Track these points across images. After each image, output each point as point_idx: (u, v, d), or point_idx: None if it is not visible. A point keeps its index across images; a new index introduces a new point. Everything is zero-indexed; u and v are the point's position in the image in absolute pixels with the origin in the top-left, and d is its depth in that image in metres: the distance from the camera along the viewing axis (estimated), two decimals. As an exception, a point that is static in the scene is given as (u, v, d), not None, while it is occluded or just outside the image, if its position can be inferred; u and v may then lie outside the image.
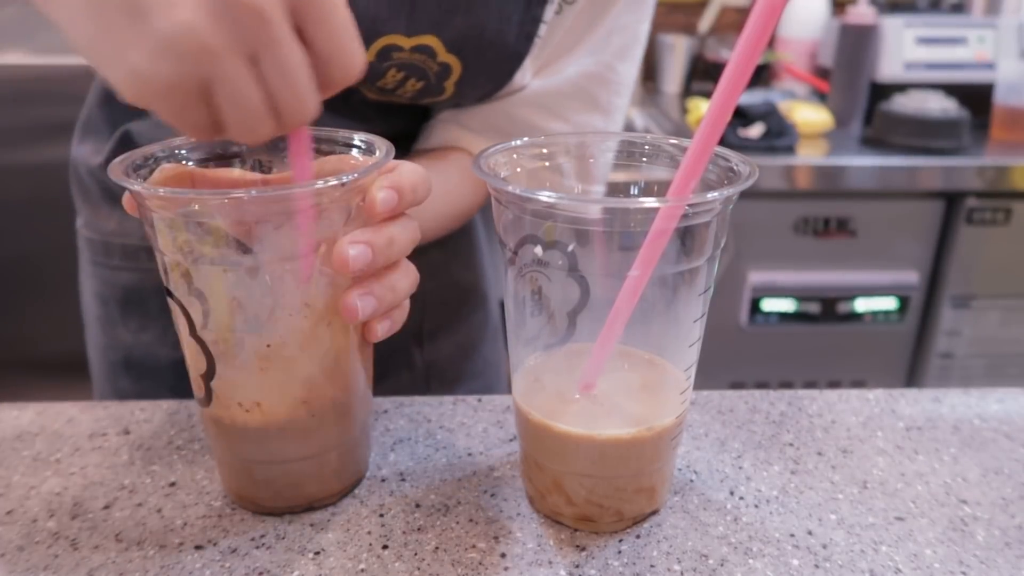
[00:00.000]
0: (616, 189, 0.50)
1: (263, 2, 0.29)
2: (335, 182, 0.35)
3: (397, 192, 0.38)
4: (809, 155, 1.39)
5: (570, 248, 0.37)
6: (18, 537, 0.41)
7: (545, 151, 0.43)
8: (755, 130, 1.39)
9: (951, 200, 1.40)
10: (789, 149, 1.38)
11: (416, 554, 0.40)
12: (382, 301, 0.38)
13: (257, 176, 0.42)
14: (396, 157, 0.39)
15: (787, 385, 1.52)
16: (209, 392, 0.39)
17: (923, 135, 1.40)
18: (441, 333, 0.72)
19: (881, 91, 1.52)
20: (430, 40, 0.52)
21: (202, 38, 0.29)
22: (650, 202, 0.34)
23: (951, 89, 1.48)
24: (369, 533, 0.41)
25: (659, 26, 1.83)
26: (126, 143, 0.61)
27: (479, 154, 0.39)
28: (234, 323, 0.37)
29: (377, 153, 0.40)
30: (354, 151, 0.41)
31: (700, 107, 1.55)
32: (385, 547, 0.40)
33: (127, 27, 0.30)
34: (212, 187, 0.40)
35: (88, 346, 0.71)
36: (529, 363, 0.42)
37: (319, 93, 0.33)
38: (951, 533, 0.42)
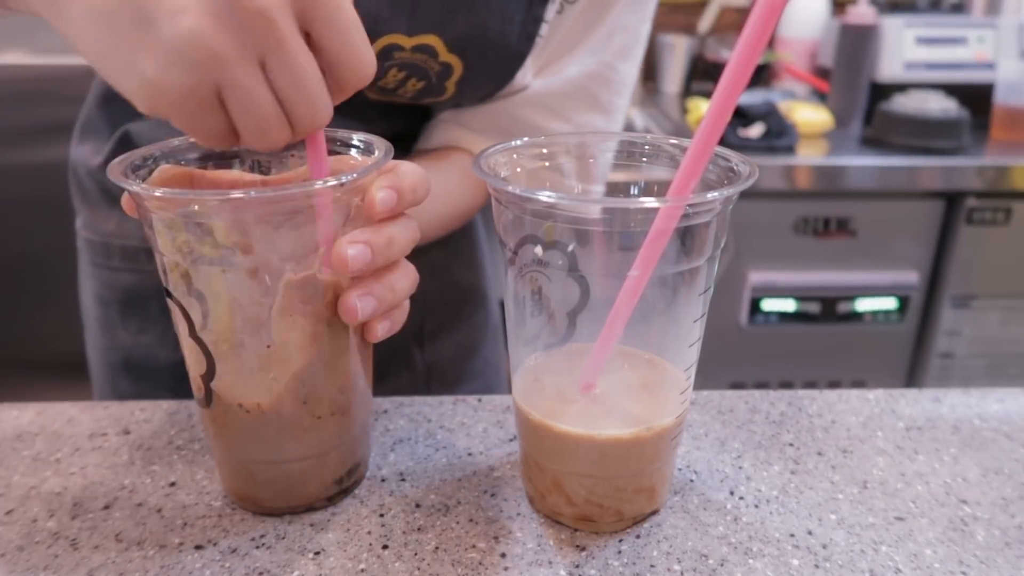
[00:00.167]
0: (616, 189, 0.50)
1: (267, 5, 0.29)
2: (334, 182, 0.35)
3: (396, 192, 0.37)
4: (809, 155, 1.39)
5: (570, 248, 0.37)
6: (18, 537, 0.41)
7: (545, 151, 0.43)
8: (755, 130, 1.39)
9: (951, 200, 1.40)
10: (789, 149, 1.38)
11: (416, 554, 0.40)
12: (382, 301, 0.38)
13: (256, 177, 0.42)
14: (396, 157, 0.39)
15: (787, 385, 1.52)
16: (209, 393, 0.39)
17: (923, 135, 1.40)
18: (442, 333, 0.72)
19: (881, 91, 1.52)
20: (431, 40, 0.52)
21: (209, 44, 0.29)
22: (650, 202, 0.34)
23: (951, 89, 1.48)
24: (369, 533, 0.41)
25: (659, 26, 1.83)
26: (125, 144, 0.61)
27: (479, 154, 0.39)
28: (234, 324, 0.37)
29: (376, 153, 0.40)
30: (353, 151, 0.41)
31: (700, 107, 1.55)
32: (385, 547, 0.40)
33: (136, 38, 0.30)
34: (211, 187, 0.40)
35: (88, 347, 0.71)
36: (529, 363, 0.42)
37: (332, 97, 0.33)
38: (951, 533, 0.42)
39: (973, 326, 1.47)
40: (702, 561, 0.40)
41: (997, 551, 0.41)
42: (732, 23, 1.89)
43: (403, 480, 0.46)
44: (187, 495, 0.44)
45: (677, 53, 1.84)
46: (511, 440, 0.50)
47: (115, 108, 0.63)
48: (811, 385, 1.51)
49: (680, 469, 0.47)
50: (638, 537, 0.41)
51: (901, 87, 1.51)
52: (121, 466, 0.47)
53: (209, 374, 0.39)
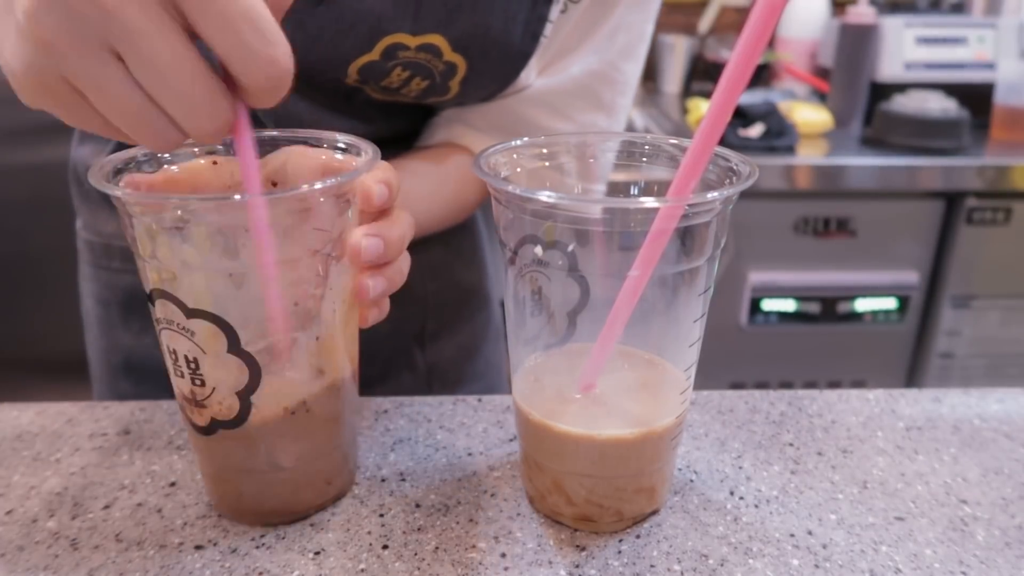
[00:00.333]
0: (616, 189, 0.50)
1: None
2: (319, 186, 0.35)
3: (387, 187, 0.39)
4: (809, 155, 1.39)
5: (570, 248, 0.37)
6: (18, 537, 0.41)
7: (545, 151, 0.43)
8: (755, 130, 1.39)
9: (951, 200, 1.40)
10: (789, 149, 1.38)
11: (416, 554, 0.40)
12: (392, 283, 0.41)
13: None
14: (396, 156, 0.40)
15: (787, 385, 1.52)
16: (246, 408, 0.38)
17: (923, 135, 1.40)
18: (443, 334, 0.72)
19: (881, 91, 1.52)
20: (436, 39, 0.52)
21: (38, 32, 0.27)
22: (650, 202, 0.34)
23: (951, 89, 1.48)
24: (369, 533, 0.41)
25: (659, 26, 1.83)
26: (126, 145, 0.61)
27: (479, 154, 0.39)
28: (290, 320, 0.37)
29: (362, 156, 0.39)
30: (337, 154, 0.41)
31: (700, 107, 1.55)
32: (385, 547, 0.40)
33: (2, 24, 0.29)
34: (205, 189, 0.40)
35: (88, 348, 0.71)
36: (529, 363, 0.42)
37: (246, 99, 0.30)
38: (951, 533, 0.42)
39: (973, 326, 1.47)
40: (702, 561, 0.40)
41: (997, 551, 0.41)
42: (732, 23, 1.89)
43: (403, 480, 0.46)
44: (187, 495, 0.44)
45: (677, 53, 1.84)
46: (511, 440, 0.50)
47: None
48: (811, 385, 1.51)
49: (680, 469, 0.47)
50: (638, 537, 0.41)
51: (901, 87, 1.51)
52: (121, 466, 0.47)
53: (251, 386, 0.37)
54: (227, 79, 0.30)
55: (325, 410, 0.40)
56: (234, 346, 0.36)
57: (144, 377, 0.66)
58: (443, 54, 0.53)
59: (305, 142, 0.41)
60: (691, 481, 0.46)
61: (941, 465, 0.48)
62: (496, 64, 0.56)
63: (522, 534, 0.41)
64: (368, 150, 0.39)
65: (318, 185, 0.34)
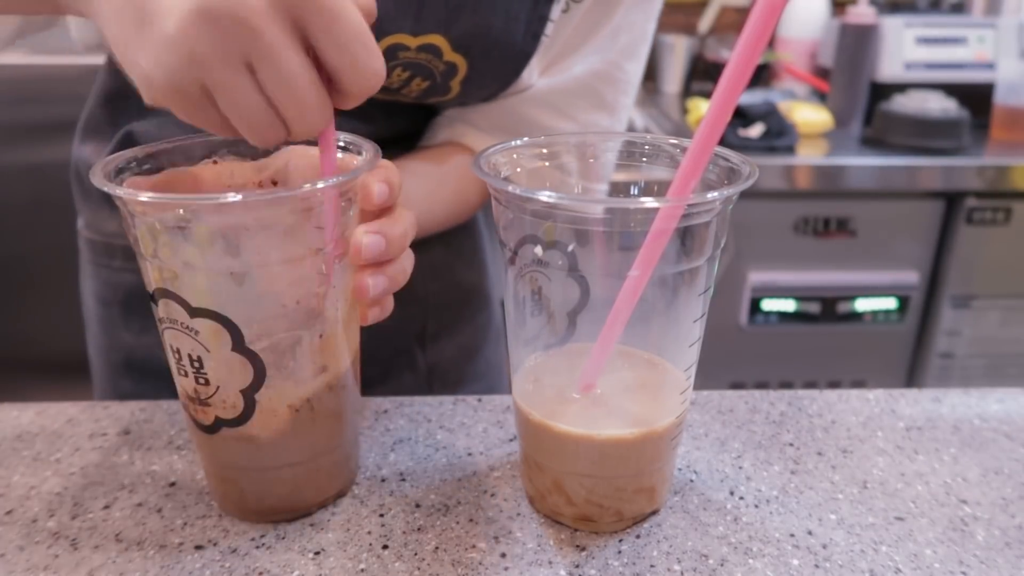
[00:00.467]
0: (616, 189, 0.50)
1: (251, 13, 0.30)
2: (322, 185, 0.35)
3: (389, 186, 0.39)
4: (809, 155, 1.39)
5: (570, 248, 0.37)
6: (18, 537, 0.41)
7: (545, 151, 0.43)
8: (755, 130, 1.39)
9: (951, 200, 1.40)
10: (789, 149, 1.38)
11: (416, 554, 0.40)
12: (394, 282, 0.41)
13: (254, 179, 0.42)
14: (398, 156, 0.40)
15: (787, 385, 1.52)
16: (251, 406, 0.38)
17: (923, 135, 1.40)
18: (444, 335, 0.72)
19: (881, 91, 1.52)
20: (436, 39, 0.52)
21: (188, 47, 0.30)
22: (650, 202, 0.34)
23: (951, 89, 1.48)
24: (369, 533, 0.41)
25: (659, 26, 1.83)
26: (128, 144, 0.61)
27: (479, 154, 0.39)
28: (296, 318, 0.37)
29: (363, 154, 0.40)
30: (339, 153, 0.41)
31: (700, 107, 1.55)
32: (385, 547, 0.40)
33: (137, 35, 0.32)
34: (206, 189, 0.40)
35: (89, 347, 0.71)
36: (529, 363, 0.42)
37: (336, 102, 0.34)
38: (951, 533, 0.42)
39: (973, 326, 1.47)
40: (702, 561, 0.40)
41: (997, 551, 0.41)
42: (732, 23, 1.89)
43: (403, 480, 0.46)
44: (187, 495, 0.44)
45: (677, 53, 1.84)
46: (511, 440, 0.50)
47: (118, 108, 0.63)
48: (811, 385, 1.51)
49: (680, 469, 0.47)
50: (638, 537, 0.41)
51: (901, 87, 1.51)
52: (121, 466, 0.47)
53: (256, 384, 0.38)
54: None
55: (328, 407, 0.41)
56: (238, 344, 0.36)
57: (145, 376, 0.66)
58: (443, 54, 0.53)
59: (307, 141, 0.41)
60: (691, 481, 0.46)
61: (941, 465, 0.48)
62: (497, 64, 0.56)
63: (522, 534, 0.41)
64: (369, 149, 0.39)
65: (320, 184, 0.35)
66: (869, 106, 1.54)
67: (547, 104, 0.61)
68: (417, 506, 0.43)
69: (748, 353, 1.48)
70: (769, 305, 1.44)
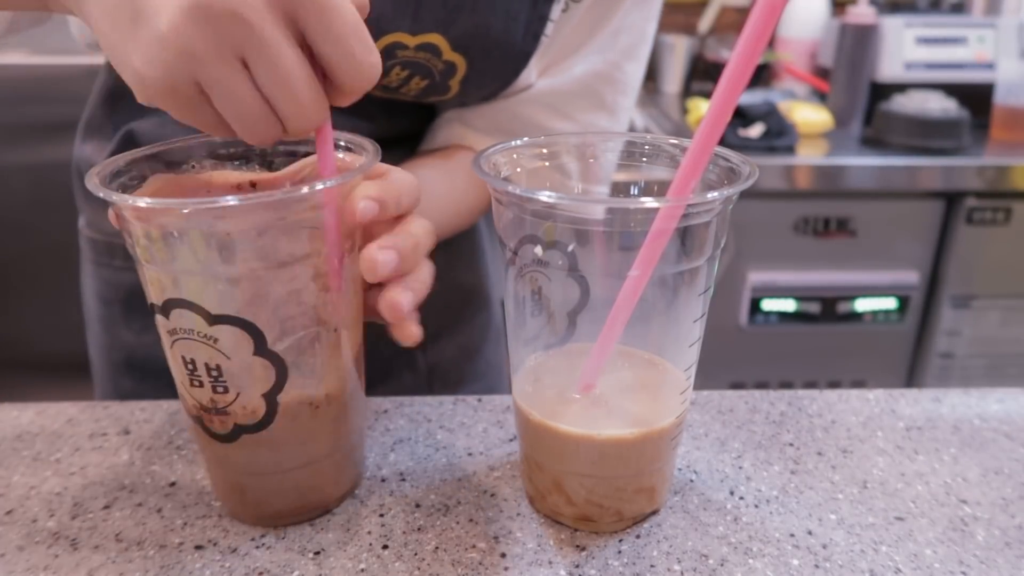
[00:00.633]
0: (616, 189, 0.50)
1: (245, 8, 0.30)
2: (320, 187, 0.34)
3: (379, 204, 0.38)
4: (809, 155, 1.39)
5: (570, 248, 0.37)
6: (18, 537, 0.41)
7: (545, 151, 0.43)
8: (755, 130, 1.39)
9: (951, 200, 1.40)
10: (789, 149, 1.38)
11: (416, 554, 0.40)
12: (417, 294, 0.41)
13: (245, 178, 0.41)
14: (400, 157, 0.39)
15: (787, 385, 1.52)
16: (273, 408, 0.38)
17: (923, 135, 1.40)
18: (444, 335, 0.72)
19: (881, 91, 1.52)
20: (435, 39, 0.52)
21: (183, 43, 0.30)
22: (650, 202, 0.34)
23: (951, 89, 1.48)
24: (369, 533, 0.41)
25: (659, 26, 1.83)
26: (128, 143, 0.61)
27: (479, 154, 0.39)
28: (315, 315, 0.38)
29: (364, 155, 0.39)
30: (340, 152, 0.41)
31: (700, 107, 1.55)
32: (385, 547, 0.40)
33: (130, 34, 0.31)
34: (201, 194, 0.40)
35: (89, 346, 0.71)
36: (529, 363, 0.42)
37: (332, 99, 0.34)
38: (951, 533, 0.42)
39: (973, 326, 1.47)
40: (702, 561, 0.40)
41: (997, 551, 0.41)
42: (732, 23, 1.89)
43: (403, 480, 0.46)
44: (187, 495, 0.44)
45: (677, 53, 1.84)
46: (511, 440, 0.50)
47: (119, 107, 0.63)
48: (811, 385, 1.51)
49: (680, 469, 0.47)
50: (638, 537, 0.41)
51: (901, 87, 1.51)
52: (121, 466, 0.47)
53: (278, 386, 0.37)
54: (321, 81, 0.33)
55: (343, 401, 0.41)
56: (260, 347, 0.36)
57: (146, 375, 0.66)
58: (442, 53, 0.53)
59: (304, 142, 0.41)
60: (691, 481, 0.46)
61: (941, 465, 0.48)
62: (497, 64, 0.56)
63: (522, 534, 0.41)
64: (369, 149, 0.39)
65: (319, 186, 0.34)
66: (869, 106, 1.54)
67: (547, 105, 0.61)
68: (417, 506, 0.43)
69: (748, 353, 1.48)
70: (769, 305, 1.44)
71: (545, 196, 0.35)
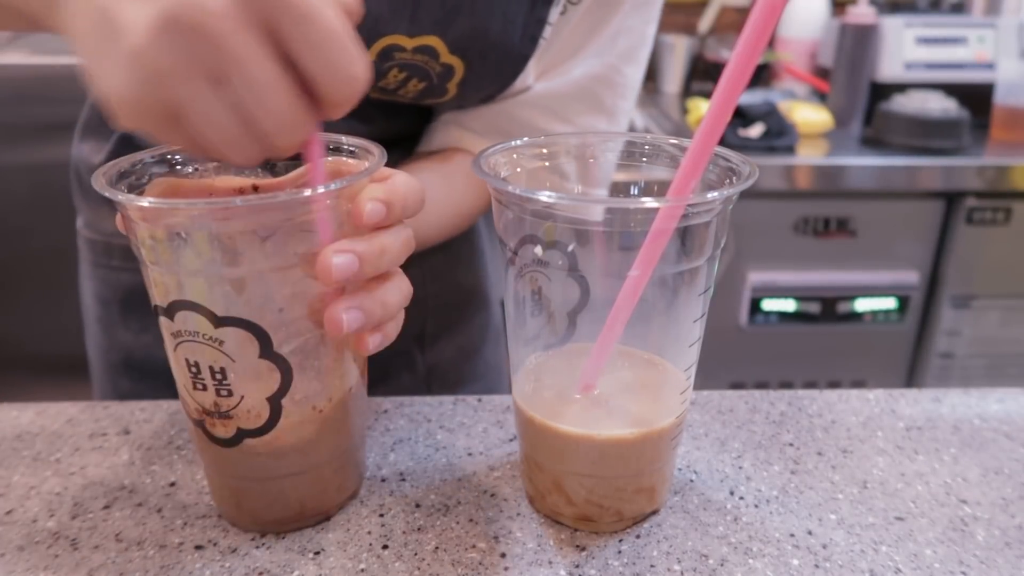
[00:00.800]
0: (616, 189, 0.50)
1: (215, 19, 0.28)
2: (323, 190, 0.34)
3: (386, 205, 0.36)
4: (809, 155, 1.39)
5: (570, 248, 0.37)
6: (18, 537, 0.41)
7: (545, 151, 0.43)
8: (755, 130, 1.39)
9: (951, 200, 1.40)
10: (789, 149, 1.38)
11: (416, 554, 0.40)
12: (370, 315, 0.36)
13: (248, 183, 0.41)
14: (398, 158, 0.39)
15: (787, 385, 1.52)
16: (277, 412, 0.38)
17: (923, 135, 1.40)
18: (443, 336, 0.72)
19: (881, 91, 1.52)
20: (432, 41, 0.52)
21: (151, 63, 0.28)
22: (650, 202, 0.34)
23: (951, 89, 1.48)
24: (369, 533, 0.41)
25: (659, 26, 1.84)
26: (127, 143, 0.61)
27: (479, 154, 0.39)
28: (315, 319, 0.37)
29: (370, 158, 0.39)
30: (344, 156, 0.41)
31: (700, 107, 1.55)
32: (385, 547, 0.40)
33: (103, 50, 0.29)
34: (203, 197, 0.40)
35: (88, 347, 0.71)
36: (529, 363, 0.42)
37: (318, 112, 0.31)
38: (951, 533, 0.42)
39: (973, 326, 1.47)
40: (702, 561, 0.40)
41: (997, 551, 0.41)
42: (732, 23, 1.89)
43: (403, 480, 0.46)
44: (187, 495, 0.44)
45: (677, 53, 1.84)
46: (511, 440, 0.50)
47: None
48: (811, 385, 1.51)
49: (680, 469, 0.47)
50: (638, 537, 0.41)
51: (901, 87, 1.51)
52: (121, 466, 0.47)
53: (283, 390, 0.37)
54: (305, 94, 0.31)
55: (347, 404, 0.41)
56: (266, 350, 0.36)
57: (144, 375, 0.66)
58: (440, 56, 0.53)
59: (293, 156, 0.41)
60: (691, 481, 0.46)
61: (941, 465, 0.48)
62: (494, 66, 0.56)
63: (522, 534, 0.41)
64: (375, 153, 0.39)
65: (320, 189, 0.34)
66: (869, 106, 1.54)
67: (545, 108, 0.61)
68: (417, 506, 0.43)
69: (748, 353, 1.49)
70: (769, 305, 1.44)
71: (545, 196, 0.35)
